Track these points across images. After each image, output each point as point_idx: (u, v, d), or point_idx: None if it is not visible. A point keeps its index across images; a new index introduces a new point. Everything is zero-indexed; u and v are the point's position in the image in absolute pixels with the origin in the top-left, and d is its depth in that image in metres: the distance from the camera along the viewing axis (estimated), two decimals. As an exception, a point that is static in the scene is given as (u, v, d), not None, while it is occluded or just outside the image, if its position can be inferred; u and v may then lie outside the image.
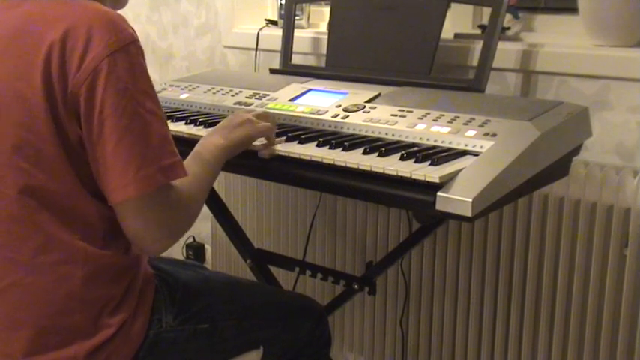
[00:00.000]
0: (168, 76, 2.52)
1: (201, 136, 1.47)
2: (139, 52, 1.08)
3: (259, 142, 1.37)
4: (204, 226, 2.52)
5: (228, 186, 2.26)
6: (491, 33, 1.58)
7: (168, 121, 1.58)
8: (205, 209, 1.83)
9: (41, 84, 1.03)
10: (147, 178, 1.05)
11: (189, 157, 1.26)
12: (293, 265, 1.81)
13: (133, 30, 1.09)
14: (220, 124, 1.34)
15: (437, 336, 1.83)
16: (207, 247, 2.61)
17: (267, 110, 1.52)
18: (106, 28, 1.05)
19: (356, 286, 1.68)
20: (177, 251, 2.68)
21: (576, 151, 1.41)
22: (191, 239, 2.64)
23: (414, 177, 1.16)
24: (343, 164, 1.25)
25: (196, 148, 1.28)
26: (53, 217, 1.07)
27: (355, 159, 1.25)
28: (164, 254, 1.68)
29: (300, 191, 2.06)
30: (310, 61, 2.11)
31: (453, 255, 1.76)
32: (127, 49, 1.05)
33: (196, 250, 2.61)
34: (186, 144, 1.49)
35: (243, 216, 2.23)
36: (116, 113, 1.03)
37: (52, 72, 1.03)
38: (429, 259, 1.81)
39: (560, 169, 1.39)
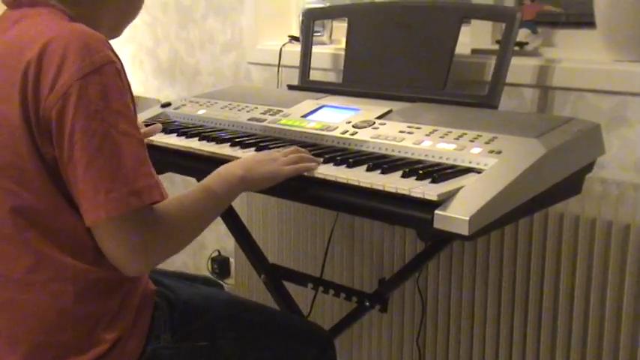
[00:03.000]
0: (196, 92, 2.55)
1: (213, 152, 1.49)
2: (115, 72, 1.07)
3: None
4: (229, 240, 2.53)
5: (250, 203, 2.27)
6: (505, 48, 1.56)
7: (182, 137, 1.61)
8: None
9: (19, 104, 1.05)
10: (117, 200, 1.04)
11: (204, 180, 1.24)
12: (306, 281, 1.81)
13: (113, 51, 1.09)
14: (248, 156, 1.31)
15: (454, 355, 1.81)
16: (232, 261, 2.63)
17: (297, 147, 1.41)
18: (81, 49, 1.05)
19: (367, 303, 1.66)
20: (202, 264, 2.70)
21: (588, 168, 1.38)
22: (216, 253, 2.65)
23: (412, 194, 1.15)
24: (345, 181, 1.25)
25: (213, 173, 1.25)
26: (42, 236, 1.09)
27: (357, 176, 1.25)
28: (174, 268, 1.68)
29: (319, 208, 2.06)
30: (331, 77, 2.11)
31: (469, 272, 1.74)
32: (100, 71, 1.05)
33: (221, 263, 2.62)
34: (198, 160, 1.52)
35: (264, 232, 2.24)
36: (86, 136, 1.03)
37: (28, 92, 1.05)
38: (446, 276, 1.78)
39: (570, 186, 1.37)
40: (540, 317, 1.63)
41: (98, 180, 1.04)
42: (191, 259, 2.82)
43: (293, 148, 1.36)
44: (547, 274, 1.60)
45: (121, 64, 1.12)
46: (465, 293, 1.76)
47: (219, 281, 2.57)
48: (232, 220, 1.83)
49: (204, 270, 2.67)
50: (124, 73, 1.12)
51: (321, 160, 1.33)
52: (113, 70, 1.07)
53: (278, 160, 1.28)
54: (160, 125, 1.61)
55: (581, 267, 1.54)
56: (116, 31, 1.29)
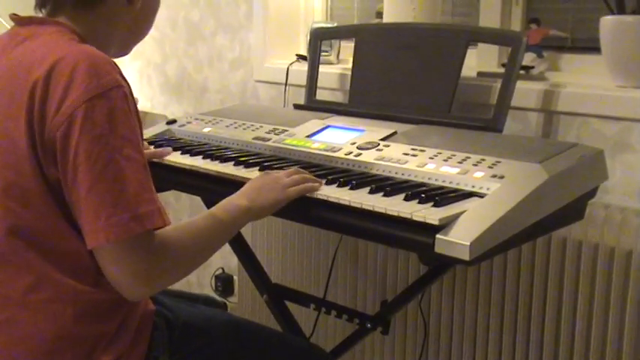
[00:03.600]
0: (203, 110, 2.56)
1: (216, 171, 1.50)
2: (123, 96, 1.07)
3: None
4: (233, 258, 2.53)
5: (255, 223, 2.27)
6: (510, 72, 1.56)
7: (186, 155, 1.62)
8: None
9: (24, 123, 1.05)
10: (117, 225, 1.03)
11: (211, 209, 1.23)
12: (308, 301, 1.80)
13: (121, 75, 1.10)
14: (250, 183, 1.29)
15: (455, 378, 1.80)
16: (236, 279, 2.62)
17: (298, 167, 1.41)
18: (89, 71, 1.05)
19: (369, 325, 1.66)
20: (206, 282, 2.70)
21: (591, 194, 1.38)
22: (220, 271, 2.65)
23: (414, 218, 1.15)
24: (347, 203, 1.25)
25: (219, 203, 1.24)
26: (42, 256, 1.08)
27: (360, 198, 1.25)
28: (178, 285, 1.68)
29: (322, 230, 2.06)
30: (338, 97, 2.12)
31: (471, 296, 1.73)
32: (107, 95, 1.05)
33: (225, 281, 2.62)
34: (202, 178, 1.53)
35: (268, 252, 2.24)
36: (90, 159, 1.03)
37: (34, 112, 1.05)
38: (448, 299, 1.78)
39: (573, 212, 1.37)
40: (542, 342, 1.62)
41: (100, 204, 1.03)
42: (195, 277, 2.82)
43: (294, 168, 1.36)
44: (549, 298, 1.59)
45: (129, 87, 1.12)
46: (467, 316, 1.75)
47: (223, 299, 2.58)
48: (236, 239, 1.83)
49: (207, 287, 2.67)
50: (132, 97, 1.12)
51: (324, 181, 1.33)
52: (121, 94, 1.07)
53: (281, 182, 1.28)
54: (170, 149, 1.62)
55: (583, 292, 1.54)
56: (125, 50, 1.30)
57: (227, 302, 2.58)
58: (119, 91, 1.07)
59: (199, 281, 2.80)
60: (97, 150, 1.03)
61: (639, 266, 1.46)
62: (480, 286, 1.71)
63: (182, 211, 2.82)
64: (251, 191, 1.26)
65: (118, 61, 1.18)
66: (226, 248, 1.90)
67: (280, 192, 1.26)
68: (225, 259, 2.62)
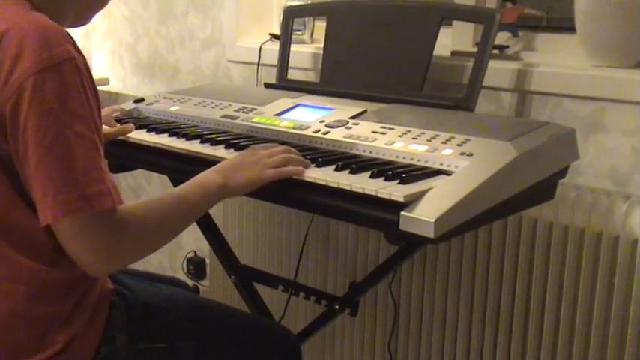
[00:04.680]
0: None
1: (182, 149, 1.46)
2: (75, 70, 1.03)
3: None
4: (205, 241, 2.49)
5: (226, 204, 2.24)
6: (483, 50, 1.54)
7: (152, 133, 1.58)
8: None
9: None
10: (65, 204, 0.99)
11: (179, 186, 1.19)
12: (277, 283, 1.78)
13: (74, 46, 1.05)
14: (230, 159, 1.25)
15: (425, 359, 1.78)
16: (208, 262, 2.59)
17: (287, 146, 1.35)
18: (39, 43, 1.00)
19: (337, 307, 1.64)
20: (178, 265, 2.66)
21: (562, 173, 1.36)
22: (192, 254, 2.62)
23: (379, 195, 1.12)
24: (312, 180, 1.22)
25: (191, 179, 1.20)
26: None
27: (325, 175, 1.22)
28: (151, 267, 1.63)
29: (294, 210, 2.03)
30: (311, 77, 2.09)
31: (442, 277, 1.72)
32: (58, 67, 1.00)
33: (197, 264, 2.58)
34: (168, 156, 1.49)
35: (240, 234, 2.21)
36: (38, 134, 0.99)
37: None
38: (418, 281, 1.76)
39: (543, 191, 1.35)
40: (512, 322, 1.61)
41: (47, 181, 0.99)
42: (167, 259, 2.78)
43: (282, 148, 1.30)
44: (519, 279, 1.58)
45: (83, 59, 1.07)
46: (437, 298, 1.73)
47: (195, 283, 2.55)
48: (204, 220, 1.80)
49: (179, 270, 2.64)
50: (86, 70, 1.07)
51: (313, 165, 1.27)
52: (72, 67, 1.02)
53: (260, 163, 1.23)
54: (132, 126, 1.58)
55: (553, 273, 1.52)
56: (83, 19, 1.25)
57: (199, 286, 2.55)
58: (71, 64, 1.02)
59: (172, 264, 2.76)
60: (46, 125, 0.99)
61: (609, 248, 1.44)
62: (450, 268, 1.69)
63: (153, 193, 2.77)
64: (228, 168, 1.22)
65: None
66: (199, 231, 1.87)
67: (257, 173, 1.22)
68: (197, 241, 2.59)
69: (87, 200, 1.00)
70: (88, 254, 1.03)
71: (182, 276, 2.61)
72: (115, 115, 1.68)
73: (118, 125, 1.61)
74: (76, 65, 1.03)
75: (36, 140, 0.99)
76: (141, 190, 2.83)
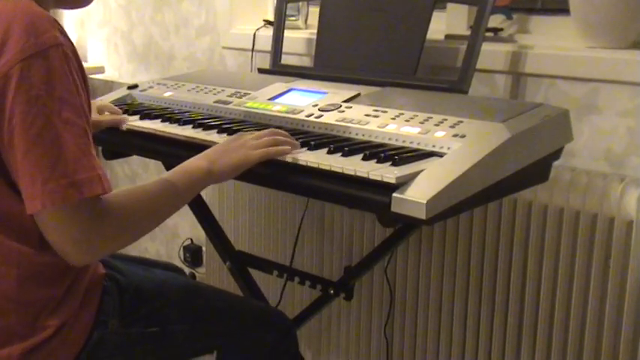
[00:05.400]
0: (170, 77, 2.51)
1: (175, 134, 1.46)
2: (62, 56, 1.01)
3: None
4: (201, 229, 2.49)
5: (221, 191, 2.23)
6: (476, 32, 1.52)
7: (145, 119, 1.57)
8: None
9: None
10: (54, 191, 0.98)
11: (165, 173, 1.18)
12: (271, 268, 1.77)
13: (62, 32, 1.04)
14: (216, 145, 1.24)
15: (421, 343, 1.78)
16: (205, 250, 2.59)
17: (274, 127, 1.37)
18: (25, 29, 0.99)
19: (331, 292, 1.63)
20: (174, 253, 2.66)
21: (556, 155, 1.35)
22: (188, 241, 2.61)
23: (371, 177, 1.12)
24: (304, 163, 1.22)
25: (177, 166, 1.20)
26: None
27: (317, 158, 1.21)
28: (135, 252, 1.62)
29: (289, 195, 2.03)
30: (305, 62, 2.08)
31: (437, 262, 1.71)
32: (45, 54, 0.99)
33: (194, 252, 2.58)
34: (161, 142, 1.49)
35: (235, 221, 2.20)
36: (25, 122, 0.98)
37: None
38: (414, 265, 1.75)
39: (537, 173, 1.34)
40: (508, 305, 1.60)
41: (36, 169, 0.98)
42: (164, 248, 2.78)
43: (268, 130, 1.30)
44: (515, 262, 1.57)
45: (72, 45, 1.06)
46: (432, 282, 1.73)
47: (191, 270, 2.54)
48: (199, 206, 1.79)
49: (176, 259, 2.64)
50: (74, 56, 1.06)
51: (304, 147, 1.27)
52: (59, 53, 1.01)
53: (247, 144, 1.23)
54: (127, 118, 1.57)
55: (548, 255, 1.52)
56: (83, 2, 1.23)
57: (195, 273, 2.54)
58: (58, 50, 1.01)
59: (168, 252, 2.76)
60: (34, 112, 0.98)
61: (604, 230, 1.44)
62: (445, 252, 1.69)
63: (149, 180, 2.76)
64: (213, 153, 1.22)
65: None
66: (195, 219, 1.87)
67: (243, 154, 1.21)
68: (193, 229, 2.58)
69: (76, 187, 0.99)
70: (67, 244, 1.02)
71: (179, 264, 2.60)
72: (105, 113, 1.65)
73: (117, 110, 1.61)
74: (63, 51, 1.02)
75: (23, 128, 0.98)
76: (137, 178, 2.82)
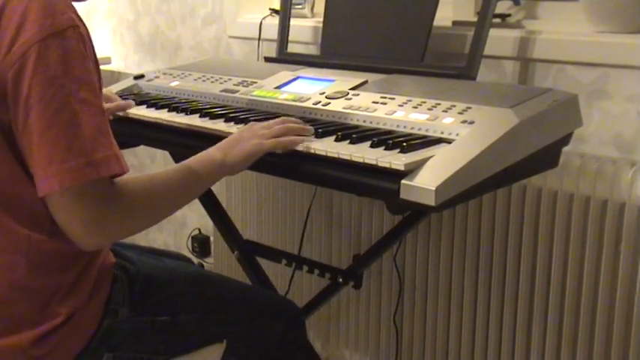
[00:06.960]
0: (176, 67, 2.50)
1: (182, 123, 1.45)
2: (79, 37, 1.02)
3: None
4: (209, 219, 2.49)
5: (229, 181, 2.23)
6: (484, 18, 1.51)
7: (152, 109, 1.57)
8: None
9: None
10: (72, 170, 0.98)
11: (180, 163, 1.18)
12: (280, 257, 1.77)
13: (77, 15, 1.04)
14: (229, 137, 1.24)
15: (431, 332, 1.78)
16: (212, 240, 2.59)
17: (285, 116, 1.36)
18: (43, 10, 0.99)
19: (340, 280, 1.63)
20: (183, 243, 2.66)
21: (565, 140, 1.34)
22: (197, 231, 2.61)
23: (379, 164, 1.11)
24: (313, 151, 1.21)
25: (193, 157, 1.19)
26: None
27: (325, 146, 1.21)
28: (144, 242, 1.61)
29: (297, 183, 2.02)
30: (312, 50, 2.07)
31: (446, 250, 1.70)
32: (62, 35, 0.99)
33: (202, 242, 2.58)
34: (168, 132, 1.48)
35: (243, 210, 2.20)
36: (42, 102, 0.98)
37: None
38: (423, 253, 1.75)
39: (546, 159, 1.33)
40: (518, 292, 1.60)
41: (53, 149, 0.98)
42: (172, 238, 2.78)
43: (280, 119, 1.29)
44: (525, 249, 1.57)
45: (86, 29, 1.06)
46: (442, 269, 1.72)
47: (199, 260, 2.55)
48: (206, 196, 1.79)
49: (184, 249, 2.64)
50: (89, 39, 1.06)
51: (312, 128, 1.27)
52: (76, 34, 1.02)
53: (258, 133, 1.22)
54: (132, 102, 1.57)
55: (558, 241, 1.51)
56: None
57: (204, 263, 2.55)
58: (75, 31, 1.01)
59: (176, 242, 2.76)
60: (51, 92, 0.98)
61: (615, 215, 1.43)
62: (454, 239, 1.68)
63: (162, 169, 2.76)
64: (227, 144, 1.21)
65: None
66: (203, 209, 1.87)
67: (255, 144, 1.20)
68: (201, 220, 2.58)
69: (94, 166, 0.99)
70: (78, 225, 1.02)
71: (187, 254, 2.60)
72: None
73: (120, 100, 1.60)
74: (79, 32, 1.03)
75: (40, 108, 0.98)
76: (144, 168, 2.82)
